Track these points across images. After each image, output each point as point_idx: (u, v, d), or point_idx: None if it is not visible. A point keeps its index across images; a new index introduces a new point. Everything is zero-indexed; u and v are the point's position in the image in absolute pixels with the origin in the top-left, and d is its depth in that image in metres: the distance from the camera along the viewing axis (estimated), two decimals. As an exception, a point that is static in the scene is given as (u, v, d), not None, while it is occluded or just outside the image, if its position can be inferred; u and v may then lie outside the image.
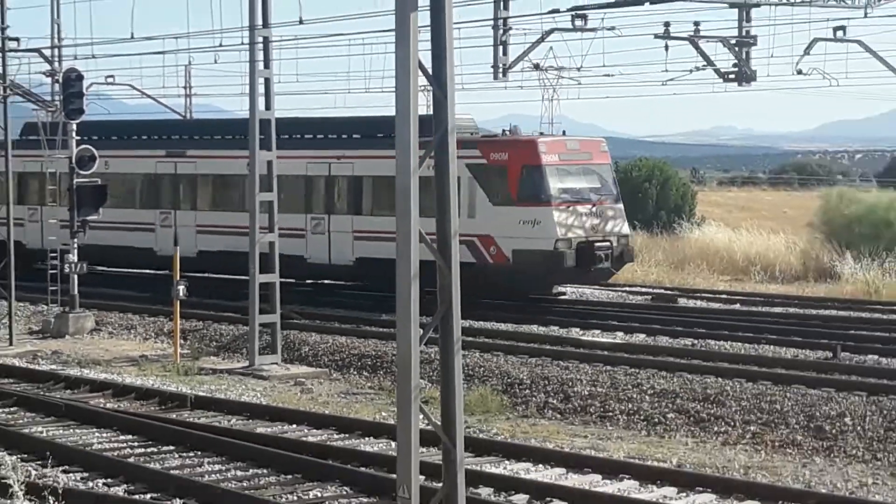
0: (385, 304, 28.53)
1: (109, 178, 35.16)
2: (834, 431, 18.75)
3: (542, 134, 34.19)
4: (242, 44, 27.26)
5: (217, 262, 36.06)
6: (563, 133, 35.53)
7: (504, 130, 34.49)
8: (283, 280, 34.02)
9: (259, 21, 24.73)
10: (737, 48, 35.65)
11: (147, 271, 38.98)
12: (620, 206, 33.35)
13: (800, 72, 35.23)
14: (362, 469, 16.36)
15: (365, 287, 34.37)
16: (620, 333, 28.13)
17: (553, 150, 32.34)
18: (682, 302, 34.22)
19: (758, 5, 34.44)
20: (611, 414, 20.54)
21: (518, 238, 31.40)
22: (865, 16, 34.15)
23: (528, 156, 32.21)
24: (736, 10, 35.20)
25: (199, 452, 17.38)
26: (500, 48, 34.83)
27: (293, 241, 33.08)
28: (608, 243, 31.86)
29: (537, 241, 31.32)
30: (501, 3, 33.40)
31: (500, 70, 35.09)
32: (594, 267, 31.51)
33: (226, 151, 36.34)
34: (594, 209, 32.09)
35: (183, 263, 29.46)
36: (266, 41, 25.06)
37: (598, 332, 28.53)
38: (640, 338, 27.52)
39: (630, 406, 20.71)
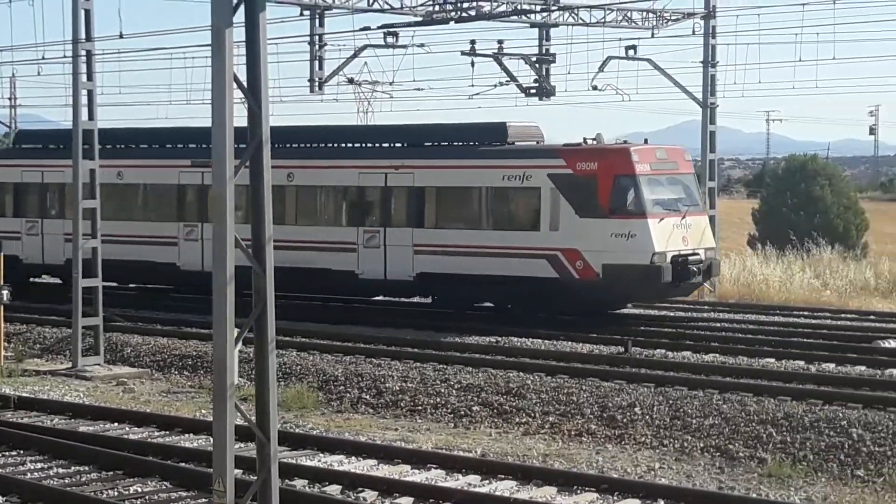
0: (207, 306, 28.09)
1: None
2: (625, 420, 19.18)
3: (625, 142, 31.35)
4: (65, 56, 26.68)
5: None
6: None
7: (585, 139, 31.30)
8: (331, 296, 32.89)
9: (82, 35, 24.25)
10: (537, 65, 36.19)
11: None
12: (706, 216, 30.83)
13: (595, 87, 35.93)
14: (181, 464, 16.20)
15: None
16: (429, 331, 28.29)
17: (644, 158, 29.38)
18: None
19: (556, 25, 35.00)
20: (420, 408, 20.68)
21: (610, 252, 28.28)
22: (653, 36, 35.03)
23: (621, 165, 29.05)
24: (536, 30, 35.74)
25: (22, 451, 17.00)
26: (316, 63, 34.76)
27: (344, 256, 31.34)
28: (698, 256, 29.10)
29: (632, 254, 28.24)
30: (317, 20, 33.32)
31: (317, 84, 35.01)
32: (688, 281, 28.99)
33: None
34: (684, 220, 29.15)
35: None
36: (89, 54, 24.58)
37: (411, 329, 28.62)
38: (448, 336, 27.70)
39: (438, 400, 20.89)
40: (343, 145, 32.96)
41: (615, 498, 14.92)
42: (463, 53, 35.64)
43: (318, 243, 31.69)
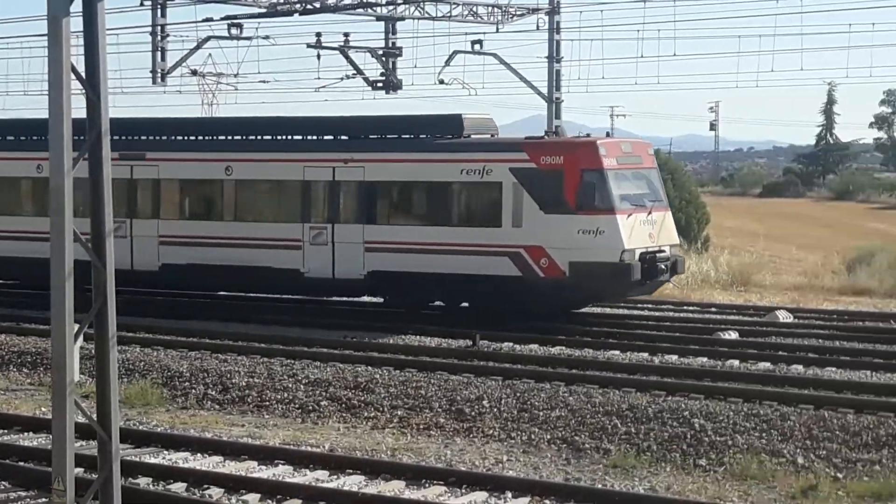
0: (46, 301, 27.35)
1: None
2: (473, 413, 19.24)
3: (588, 135, 30.00)
4: None
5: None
6: None
7: (547, 132, 30.95)
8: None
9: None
10: (384, 58, 36.17)
11: None
12: (669, 212, 29.85)
13: (442, 81, 36.06)
14: (20, 463, 15.79)
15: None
16: (276, 326, 28.09)
17: (611, 152, 28.33)
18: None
19: (402, 19, 35.04)
20: (267, 403, 20.47)
21: (577, 249, 27.31)
22: (497, 31, 35.25)
23: (588, 159, 27.98)
24: (382, 23, 35.71)
25: None
26: (159, 53, 34.19)
27: (289, 254, 30.05)
28: (665, 253, 28.39)
29: (600, 252, 27.23)
30: (158, 10, 32.76)
31: (159, 75, 34.42)
32: (655, 279, 28.27)
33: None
34: (650, 216, 28.38)
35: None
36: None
37: (257, 325, 28.39)
38: (296, 331, 27.52)
39: (286, 395, 20.71)
40: (286, 138, 31.63)
41: (463, 491, 14.96)
42: (309, 46, 35.46)
43: (260, 240, 30.46)
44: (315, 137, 31.30)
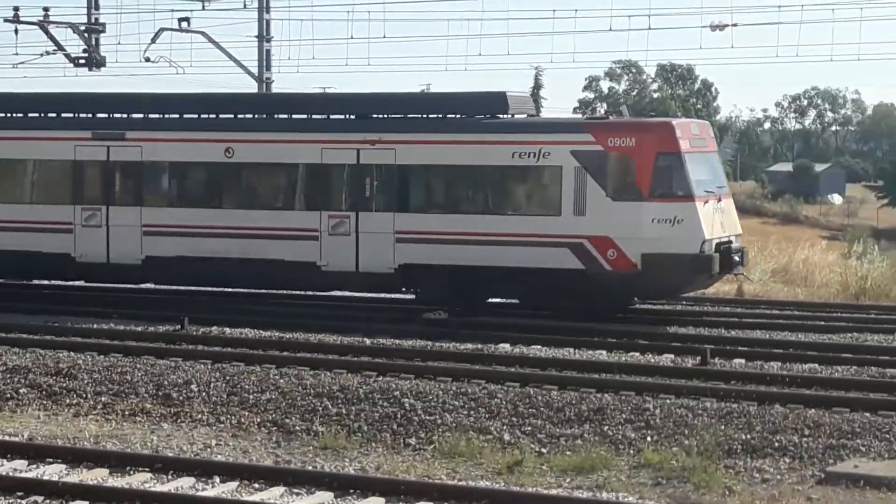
0: None
1: None
2: (181, 398, 18.96)
3: (653, 114, 27.17)
4: None
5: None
6: None
7: (607, 112, 28.02)
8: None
9: None
10: (86, 34, 35.21)
11: None
12: (732, 199, 28.09)
13: (148, 59, 35.40)
14: None
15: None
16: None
17: (685, 133, 26.25)
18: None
19: (107, -7, 34.19)
20: (-34, 392, 19.66)
21: (651, 240, 25.30)
22: (204, 8, 34.82)
23: (663, 141, 25.81)
24: (84, -2, 34.79)
25: None
26: None
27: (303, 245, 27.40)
28: (736, 243, 26.75)
29: (679, 243, 25.24)
30: None
31: None
32: (731, 272, 26.61)
33: None
34: (720, 203, 26.56)
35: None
36: None
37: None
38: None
39: (-15, 384, 19.94)
40: (299, 116, 28.80)
41: (169, 477, 14.73)
42: (6, 20, 34.21)
43: (269, 230, 27.79)
44: (336, 116, 28.78)
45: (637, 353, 22.36)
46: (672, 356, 22.05)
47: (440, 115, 27.79)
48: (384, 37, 38.76)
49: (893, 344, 23.51)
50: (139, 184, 29.20)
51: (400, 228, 27.04)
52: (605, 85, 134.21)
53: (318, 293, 29.27)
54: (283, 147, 28.05)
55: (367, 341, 23.55)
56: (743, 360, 21.63)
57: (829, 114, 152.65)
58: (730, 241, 26.39)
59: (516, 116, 27.78)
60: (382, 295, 29.13)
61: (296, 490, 14.34)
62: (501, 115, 27.38)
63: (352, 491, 14.21)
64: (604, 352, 22.60)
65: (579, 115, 27.95)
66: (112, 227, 28.87)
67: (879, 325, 25.72)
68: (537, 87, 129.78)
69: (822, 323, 25.99)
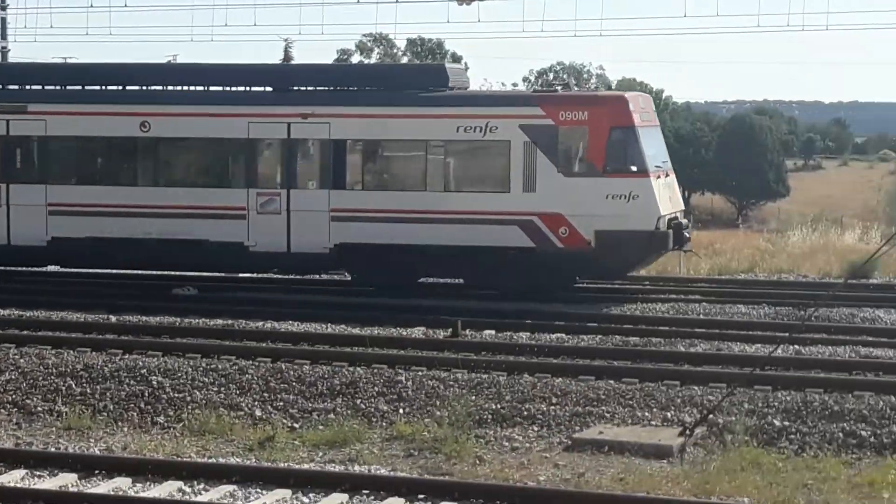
0: None
1: None
2: (-86, 381, 18.17)
3: (609, 88, 25.02)
4: None
5: None
6: None
7: (553, 85, 25.46)
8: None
9: None
10: None
11: None
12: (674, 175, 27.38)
13: None
14: None
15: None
16: None
17: (636, 107, 25.63)
18: None
19: None
20: None
21: (605, 217, 24.66)
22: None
23: (618, 115, 25.16)
24: None
25: None
26: None
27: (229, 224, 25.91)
28: (682, 220, 26.37)
29: (634, 219, 24.70)
30: None
31: None
32: (681, 247, 26.20)
33: None
34: (667, 179, 26.20)
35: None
36: None
37: None
38: None
39: None
40: (222, 88, 27.37)
41: None
42: None
43: (192, 209, 26.39)
44: (263, 88, 27.48)
45: (390, 327, 22.42)
46: (424, 329, 22.25)
47: (376, 88, 27.00)
48: (126, 6, 37.75)
49: (636, 313, 24.22)
50: (43, 160, 27.50)
51: (336, 206, 26.16)
52: (356, 58, 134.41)
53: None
54: (206, 121, 26.75)
55: (113, 318, 22.99)
56: (493, 332, 21.95)
57: (576, 88, 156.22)
58: (677, 217, 26.26)
59: (458, 90, 27.07)
60: (129, 271, 28.37)
61: (38, 472, 13.91)
62: (441, 89, 26.66)
63: (97, 471, 13.87)
64: (358, 326, 22.62)
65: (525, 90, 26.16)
66: (13, 207, 27.20)
67: (623, 294, 26.50)
68: (287, 59, 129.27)
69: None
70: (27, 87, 28.24)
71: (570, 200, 25.06)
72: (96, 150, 27.78)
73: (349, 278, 27.37)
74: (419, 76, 27.52)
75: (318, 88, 27.22)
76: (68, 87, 27.91)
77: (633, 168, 25.24)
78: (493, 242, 25.46)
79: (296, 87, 27.33)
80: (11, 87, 28.34)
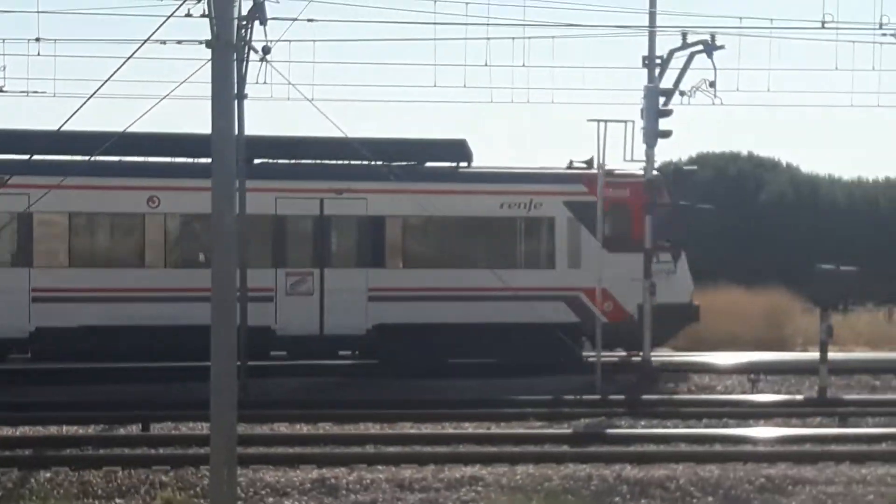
0: None
1: None
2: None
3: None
4: None
5: None
6: None
7: (571, 162, 27.06)
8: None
9: None
10: None
11: None
12: None
13: None
14: None
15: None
16: None
17: (666, 186, 27.02)
18: None
19: None
20: None
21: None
22: None
23: (656, 192, 26.22)
24: None
25: None
26: None
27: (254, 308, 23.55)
28: None
29: (672, 293, 25.95)
30: None
31: None
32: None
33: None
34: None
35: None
36: None
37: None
38: None
39: None
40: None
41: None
42: None
43: (205, 291, 24.15)
44: (292, 161, 26.41)
45: None
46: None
47: (412, 163, 26.58)
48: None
49: None
50: (27, 240, 25.29)
51: (374, 286, 25.63)
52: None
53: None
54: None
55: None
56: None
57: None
58: None
59: (475, 166, 27.06)
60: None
61: None
62: (465, 164, 26.76)
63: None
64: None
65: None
66: None
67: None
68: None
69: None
70: (7, 156, 25.90)
71: (613, 275, 25.29)
72: (94, 228, 26.11)
73: (375, 361, 26.65)
74: (444, 151, 27.22)
75: (352, 162, 26.46)
76: (62, 158, 25.42)
77: (672, 243, 26.56)
78: (537, 319, 25.62)
79: (328, 161, 26.61)
80: None
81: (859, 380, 26.95)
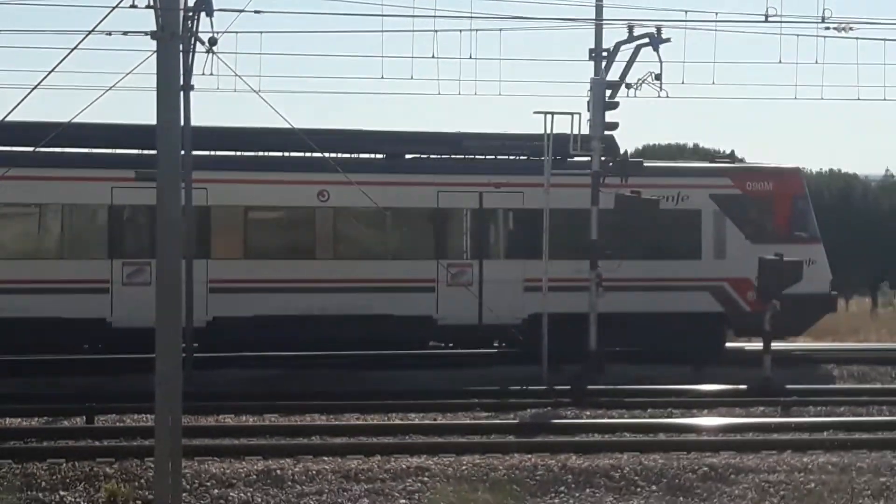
0: None
1: None
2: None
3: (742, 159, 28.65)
4: None
5: None
6: None
7: (714, 157, 28.94)
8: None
9: None
10: None
11: None
12: None
13: None
14: None
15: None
16: None
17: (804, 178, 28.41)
18: None
19: None
20: None
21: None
22: None
23: (796, 186, 27.93)
24: None
25: None
26: None
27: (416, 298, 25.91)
28: None
29: (813, 283, 26.55)
30: None
31: None
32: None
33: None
34: None
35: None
36: None
37: None
38: None
39: None
40: (408, 156, 27.49)
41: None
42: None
43: (373, 282, 26.09)
44: (453, 156, 27.59)
45: None
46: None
47: (561, 157, 26.45)
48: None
49: None
50: (206, 232, 25.96)
51: (529, 276, 26.25)
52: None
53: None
54: (388, 190, 25.72)
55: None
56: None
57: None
58: None
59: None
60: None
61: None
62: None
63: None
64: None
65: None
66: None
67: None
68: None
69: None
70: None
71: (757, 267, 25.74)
72: (265, 221, 26.89)
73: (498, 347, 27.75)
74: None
75: (510, 157, 27.75)
76: (236, 153, 27.06)
77: (810, 235, 27.80)
78: (683, 308, 26.71)
79: (486, 157, 27.76)
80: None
81: (803, 371, 27.21)
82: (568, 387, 23.51)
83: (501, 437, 18.99)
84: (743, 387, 24.05)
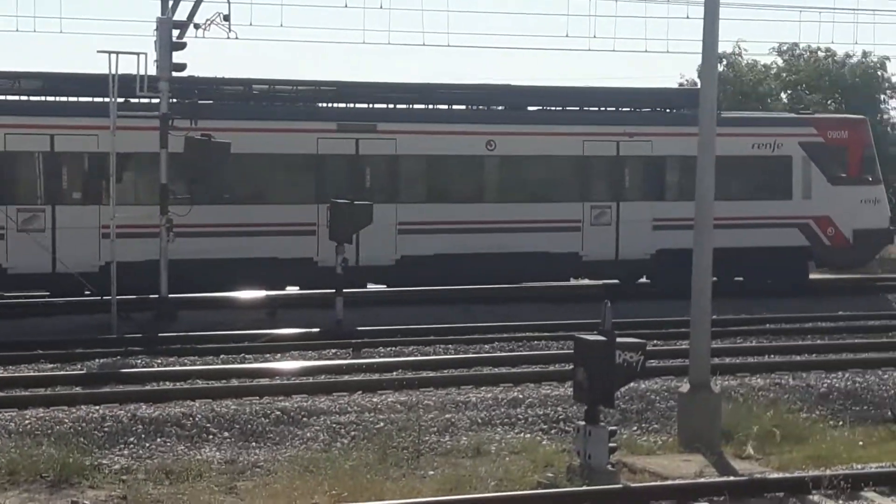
0: None
1: None
2: None
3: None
4: None
5: None
6: None
7: (799, 111, 33.57)
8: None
9: None
10: None
11: None
12: None
13: None
14: None
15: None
16: None
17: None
18: None
19: None
20: None
21: (860, 218, 30.94)
22: None
23: (865, 134, 31.90)
24: None
25: None
26: None
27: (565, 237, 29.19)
28: None
29: (878, 219, 31.15)
30: None
31: None
32: None
33: None
34: None
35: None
36: None
37: None
38: None
39: None
40: (557, 109, 30.53)
41: None
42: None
43: (530, 223, 29.05)
44: (595, 109, 30.69)
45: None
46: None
47: (678, 109, 30.96)
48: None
49: None
50: (394, 179, 28.83)
51: (657, 216, 29.73)
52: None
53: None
54: (543, 140, 29.35)
55: None
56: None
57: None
58: None
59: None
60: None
61: None
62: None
63: None
64: None
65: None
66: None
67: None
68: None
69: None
70: (374, 106, 29.41)
71: (836, 205, 31.01)
72: (445, 168, 29.25)
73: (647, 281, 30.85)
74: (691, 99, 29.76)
75: (642, 110, 31.20)
76: (416, 107, 29.69)
77: (875, 177, 31.76)
78: (776, 243, 30.47)
79: (622, 109, 31.06)
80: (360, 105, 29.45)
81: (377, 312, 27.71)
82: (140, 335, 23.10)
83: (67, 389, 18.44)
84: (316, 330, 24.29)
